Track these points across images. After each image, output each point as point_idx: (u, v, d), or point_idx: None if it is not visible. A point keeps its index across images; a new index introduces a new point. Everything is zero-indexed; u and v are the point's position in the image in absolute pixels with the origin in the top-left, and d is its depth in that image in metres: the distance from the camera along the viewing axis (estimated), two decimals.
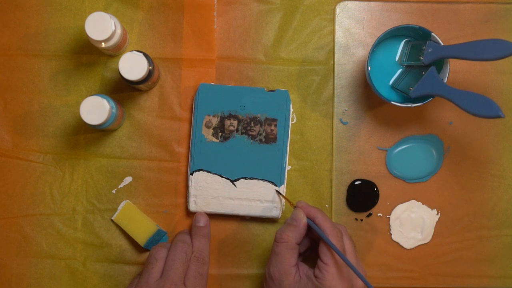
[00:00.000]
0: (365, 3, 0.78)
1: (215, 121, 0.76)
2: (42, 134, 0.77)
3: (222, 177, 0.76)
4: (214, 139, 0.76)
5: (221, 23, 0.78)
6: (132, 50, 0.70)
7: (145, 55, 0.71)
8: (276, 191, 0.75)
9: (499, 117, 0.66)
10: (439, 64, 0.72)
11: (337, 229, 0.67)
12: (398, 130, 0.78)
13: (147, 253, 0.77)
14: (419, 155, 0.77)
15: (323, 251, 0.66)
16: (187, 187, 0.77)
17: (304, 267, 0.67)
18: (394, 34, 0.74)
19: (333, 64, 0.78)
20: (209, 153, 0.76)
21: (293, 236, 0.67)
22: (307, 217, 0.68)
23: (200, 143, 0.76)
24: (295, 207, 0.70)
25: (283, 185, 0.76)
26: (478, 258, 0.77)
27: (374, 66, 0.74)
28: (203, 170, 0.76)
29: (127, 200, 0.77)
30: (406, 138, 0.77)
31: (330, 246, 0.65)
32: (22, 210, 0.77)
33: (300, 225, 0.68)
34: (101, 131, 0.77)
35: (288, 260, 0.66)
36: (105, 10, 0.77)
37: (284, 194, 0.76)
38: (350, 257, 0.67)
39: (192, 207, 0.76)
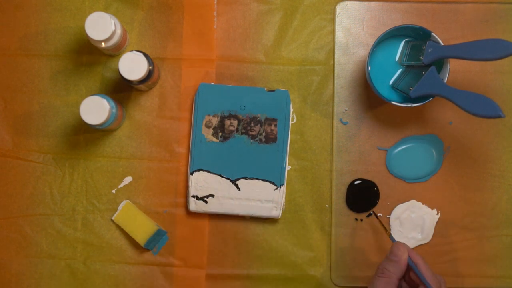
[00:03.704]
0: (365, 3, 0.78)
1: (215, 121, 0.76)
2: (42, 134, 0.77)
3: (222, 177, 0.76)
4: (214, 139, 0.76)
5: (221, 23, 0.78)
6: (132, 50, 0.70)
7: (145, 55, 0.71)
8: (374, 214, 0.75)
9: (499, 117, 0.66)
10: (439, 64, 0.72)
11: (437, 279, 0.66)
12: (398, 130, 0.78)
13: (148, 253, 0.77)
14: (419, 155, 0.77)
15: None
16: (187, 187, 0.77)
17: None
18: (394, 34, 0.74)
19: (333, 64, 0.78)
20: (209, 153, 0.76)
21: (394, 271, 0.66)
22: (410, 258, 0.67)
23: (200, 143, 0.76)
24: (390, 236, 0.70)
25: (283, 186, 0.76)
26: (478, 258, 0.77)
27: (374, 66, 0.74)
28: (203, 170, 0.76)
29: (127, 200, 0.77)
30: (406, 138, 0.77)
31: None
32: (22, 210, 0.77)
33: (400, 260, 0.66)
34: (101, 131, 0.77)
35: None
36: (105, 10, 0.77)
37: (284, 195, 0.76)
38: None
39: (192, 207, 0.76)
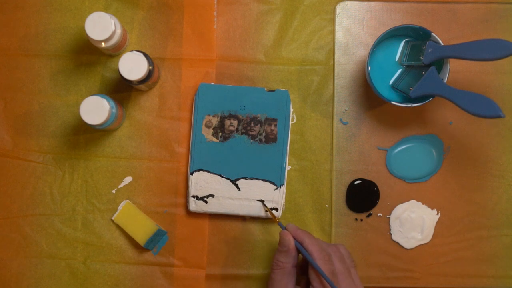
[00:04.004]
0: (365, 3, 0.78)
1: (215, 121, 0.76)
2: (42, 134, 0.77)
3: (222, 177, 0.76)
4: (214, 139, 0.76)
5: (221, 23, 0.78)
6: (132, 50, 0.70)
7: (145, 55, 0.71)
8: (262, 203, 0.75)
9: (499, 117, 0.66)
10: (439, 64, 0.72)
11: (325, 252, 0.66)
12: (398, 130, 0.78)
13: (148, 253, 0.77)
14: (419, 155, 0.77)
15: (312, 275, 0.65)
16: (187, 187, 0.77)
17: None
18: (394, 34, 0.74)
19: (333, 64, 0.78)
20: (209, 153, 0.76)
21: (286, 260, 0.67)
22: (296, 240, 0.67)
23: (200, 143, 0.76)
24: (279, 223, 0.70)
25: (283, 186, 0.76)
26: (478, 258, 0.77)
27: (374, 66, 0.74)
28: (203, 170, 0.76)
29: (127, 200, 0.77)
30: (406, 138, 0.77)
31: (317, 270, 0.64)
32: (22, 210, 0.77)
33: (289, 249, 0.67)
34: (101, 131, 0.77)
35: (285, 286, 0.66)
36: (105, 10, 0.77)
37: (284, 195, 0.76)
38: (342, 279, 0.65)
39: (192, 207, 0.76)
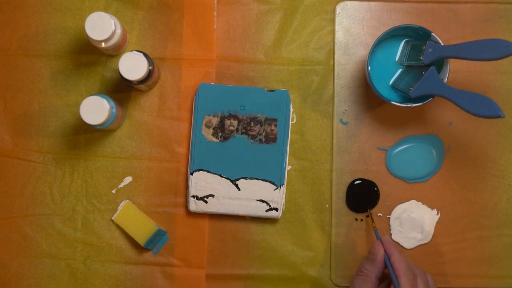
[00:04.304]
0: (365, 3, 0.78)
1: (215, 121, 0.76)
2: (42, 134, 0.77)
3: (222, 177, 0.76)
4: (214, 139, 0.76)
5: (221, 23, 0.78)
6: (132, 50, 0.70)
7: (145, 55, 0.71)
8: (369, 211, 0.75)
9: (499, 117, 0.66)
10: (439, 64, 0.72)
11: (412, 271, 0.66)
12: (398, 130, 0.78)
13: (148, 253, 0.77)
14: (419, 155, 0.77)
15: None
16: (187, 187, 0.77)
17: None
18: (394, 34, 0.74)
19: (333, 64, 0.78)
20: (209, 153, 0.76)
21: (371, 270, 0.67)
22: (386, 253, 0.68)
23: (200, 143, 0.76)
24: (375, 231, 0.71)
25: (283, 186, 0.76)
26: (478, 258, 0.77)
27: (374, 66, 0.74)
28: (203, 170, 0.76)
29: (127, 200, 0.77)
30: (406, 138, 0.77)
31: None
32: (22, 210, 0.77)
33: (376, 259, 0.67)
34: (101, 131, 0.77)
35: None
36: (105, 10, 0.77)
37: (284, 195, 0.76)
38: None
39: (192, 207, 0.76)
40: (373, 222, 0.74)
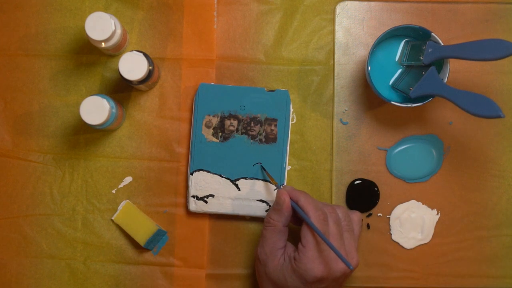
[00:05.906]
0: (365, 3, 0.78)
1: (215, 121, 0.76)
2: (42, 134, 0.77)
3: (222, 177, 0.76)
4: (214, 139, 0.76)
5: (221, 23, 0.78)
6: (132, 50, 0.70)
7: (145, 55, 0.71)
8: (261, 166, 0.75)
9: (499, 117, 0.66)
10: (439, 64, 0.72)
11: (321, 211, 0.66)
12: (398, 130, 0.78)
13: (148, 253, 0.77)
14: (419, 155, 0.77)
15: (303, 233, 0.66)
16: (187, 187, 0.77)
17: (290, 249, 0.68)
18: (394, 34, 0.74)
19: (333, 64, 0.78)
20: (209, 153, 0.76)
21: (278, 219, 0.67)
22: (292, 200, 0.68)
23: (200, 143, 0.76)
24: (277, 189, 0.70)
25: (283, 185, 0.76)
26: (478, 258, 0.77)
27: (374, 66, 0.74)
28: (203, 170, 0.76)
29: (127, 200, 0.77)
30: (406, 138, 0.77)
31: (311, 228, 0.65)
32: (22, 210, 0.77)
33: (283, 208, 0.67)
34: (101, 131, 0.77)
35: (274, 243, 0.67)
36: (105, 10, 0.77)
37: None
38: (333, 240, 0.65)
39: (192, 207, 0.76)
40: (272, 178, 0.74)
